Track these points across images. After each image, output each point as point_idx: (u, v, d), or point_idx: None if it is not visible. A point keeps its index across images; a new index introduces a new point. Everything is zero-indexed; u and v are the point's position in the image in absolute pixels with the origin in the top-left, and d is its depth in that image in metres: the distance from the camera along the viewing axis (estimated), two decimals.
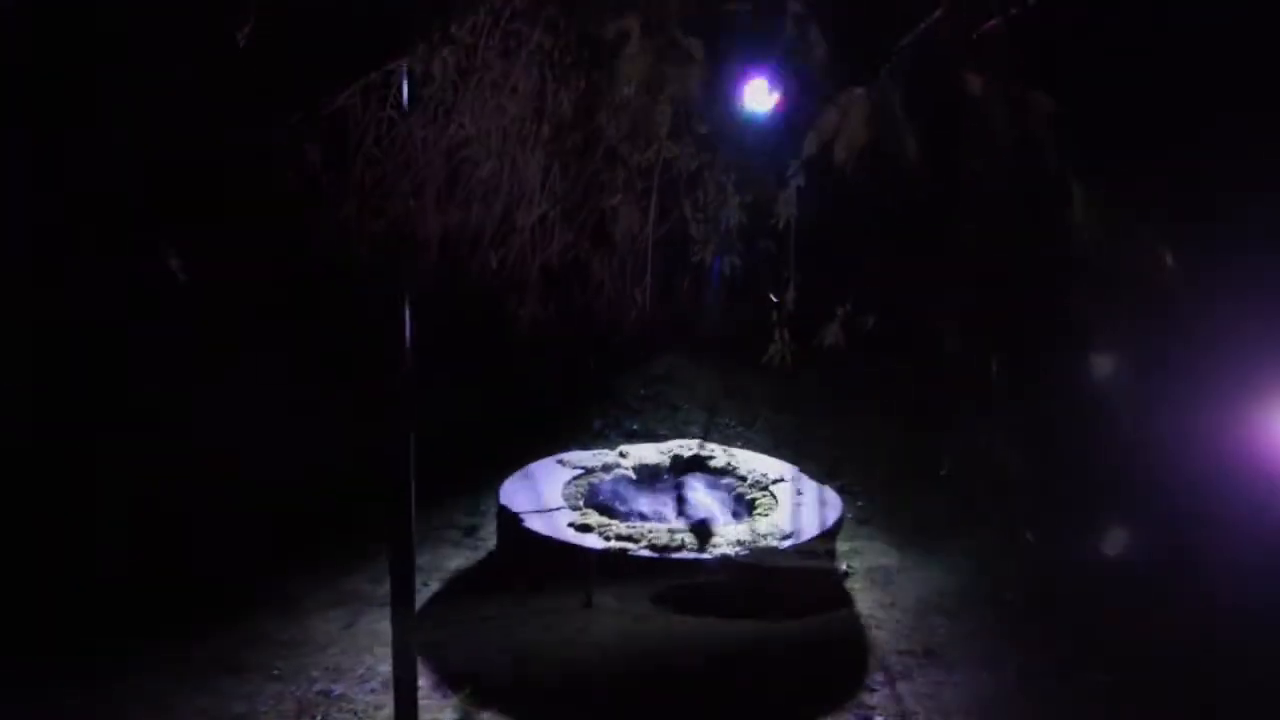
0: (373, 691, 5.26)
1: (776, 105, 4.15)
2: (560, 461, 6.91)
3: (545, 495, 6.36)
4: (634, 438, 8.28)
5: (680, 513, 6.37)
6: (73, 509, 6.47)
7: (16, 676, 5.25)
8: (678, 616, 5.63)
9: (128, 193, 6.81)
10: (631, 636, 5.58)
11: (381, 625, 5.41)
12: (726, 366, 9.32)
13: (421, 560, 6.54)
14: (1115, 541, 6.51)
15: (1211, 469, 6.51)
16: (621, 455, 7.03)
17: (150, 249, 6.29)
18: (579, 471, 6.76)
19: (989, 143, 3.55)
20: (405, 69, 3.80)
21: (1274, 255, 6.61)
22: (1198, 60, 6.76)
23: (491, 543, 6.78)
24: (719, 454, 7.07)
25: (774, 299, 6.44)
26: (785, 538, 5.97)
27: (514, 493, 6.39)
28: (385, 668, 5.16)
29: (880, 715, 5.39)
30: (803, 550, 5.97)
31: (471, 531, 7.04)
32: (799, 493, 6.60)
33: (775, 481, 6.74)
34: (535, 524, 6.00)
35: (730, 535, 5.93)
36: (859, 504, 7.58)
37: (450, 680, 5.36)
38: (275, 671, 5.45)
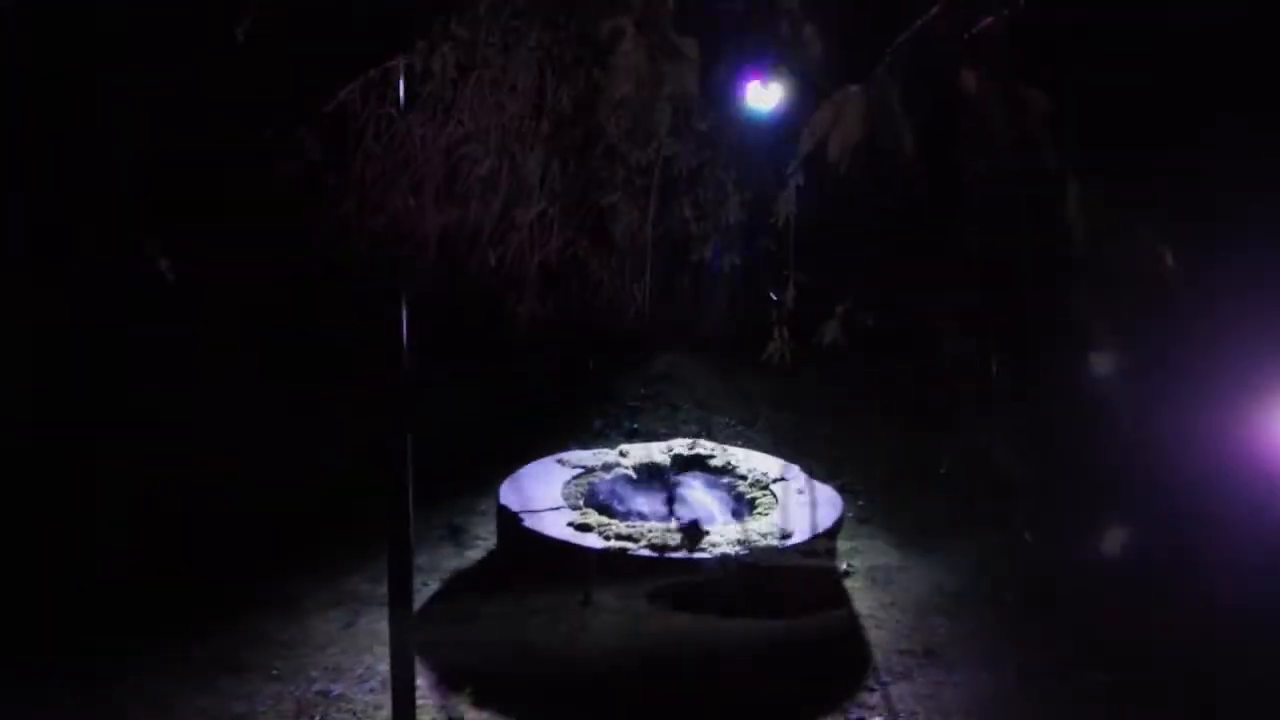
0: (371, 691, 5.26)
1: (774, 103, 4.15)
2: (560, 461, 6.91)
3: (545, 494, 6.35)
4: (634, 437, 8.27)
5: (672, 513, 6.36)
6: (73, 509, 6.47)
7: (16, 676, 5.25)
8: (677, 616, 5.61)
9: (128, 193, 6.80)
10: (631, 636, 5.56)
11: (381, 625, 5.41)
12: (727, 365, 9.32)
13: (421, 560, 6.54)
14: (1115, 541, 6.49)
15: (1211, 469, 6.50)
16: (621, 454, 7.02)
17: (139, 248, 6.28)
18: (579, 471, 6.76)
19: (987, 141, 3.53)
20: (402, 66, 3.79)
21: (1274, 255, 6.60)
22: (1198, 60, 6.76)
23: (491, 542, 6.78)
24: (719, 453, 7.07)
25: (774, 297, 6.44)
26: (785, 537, 5.97)
27: (513, 492, 6.38)
28: (384, 667, 5.15)
29: (880, 715, 5.39)
30: (803, 549, 5.96)
31: (455, 533, 7.04)
32: (799, 492, 6.59)
33: (775, 480, 6.73)
34: (534, 523, 5.99)
35: (730, 534, 5.92)
36: (859, 503, 7.58)
37: (450, 680, 5.36)
38: (274, 671, 5.45)
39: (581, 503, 6.31)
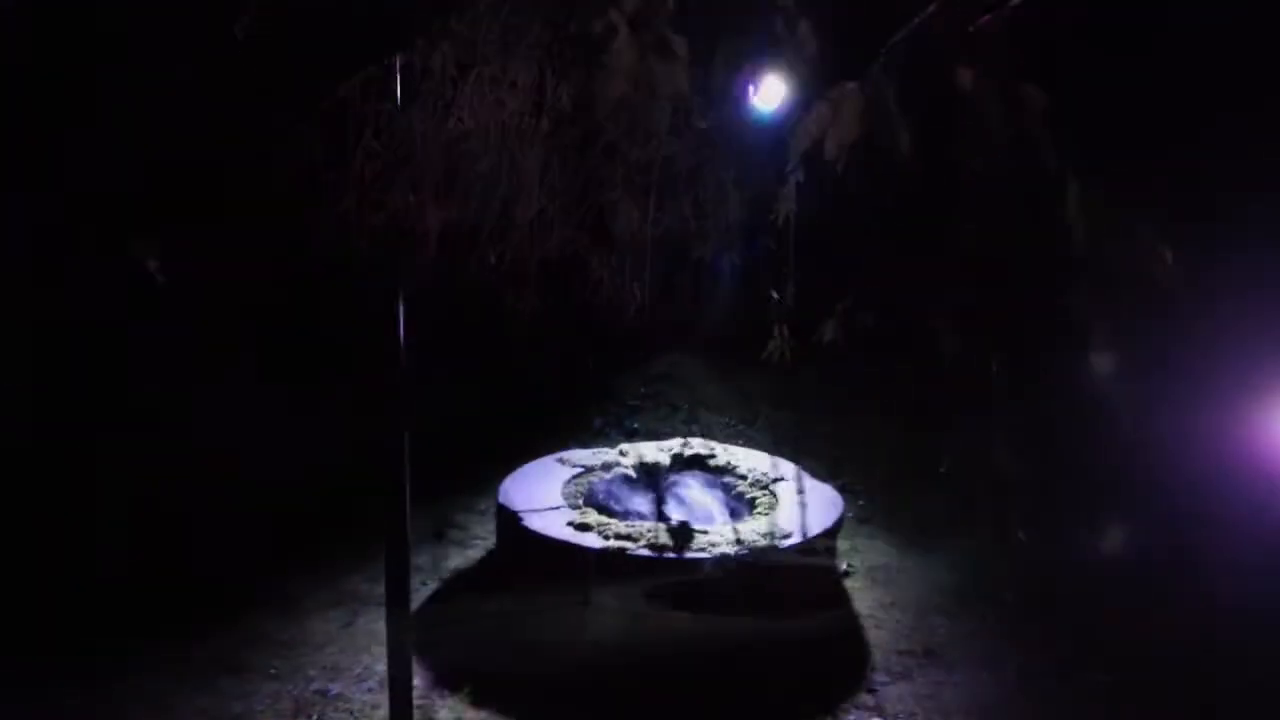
0: (370, 691, 5.27)
1: (777, 102, 4.14)
2: (560, 460, 6.91)
3: (544, 494, 6.35)
4: (634, 436, 8.27)
5: (663, 515, 6.32)
6: (73, 509, 6.47)
7: (16, 676, 5.26)
8: (676, 616, 5.61)
9: (128, 193, 6.80)
10: (630, 636, 5.55)
11: (379, 625, 5.40)
12: (727, 365, 9.31)
13: (420, 559, 6.54)
14: (1115, 541, 6.49)
15: (1211, 469, 6.49)
16: (622, 454, 7.01)
17: (132, 248, 6.29)
18: (579, 470, 6.75)
19: (985, 140, 3.53)
20: (398, 64, 3.79)
21: (1274, 255, 6.59)
22: (1197, 60, 6.74)
23: (491, 541, 6.78)
24: (719, 452, 7.06)
25: (774, 296, 6.43)
26: (785, 537, 5.96)
27: (513, 491, 6.38)
28: (383, 667, 5.14)
29: (879, 716, 5.39)
30: (803, 549, 5.96)
31: (439, 535, 7.03)
32: (799, 491, 6.58)
33: (775, 480, 6.72)
34: (534, 523, 5.99)
35: (729, 534, 5.91)
36: (859, 503, 7.57)
37: (448, 679, 5.37)
38: (273, 671, 5.45)
39: (581, 502, 6.31)
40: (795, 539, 5.97)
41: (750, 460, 7.00)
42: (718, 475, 6.83)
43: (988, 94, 3.38)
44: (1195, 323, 5.73)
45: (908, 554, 6.97)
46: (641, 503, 6.48)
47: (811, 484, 6.72)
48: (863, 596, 6.47)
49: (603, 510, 6.22)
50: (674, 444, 7.16)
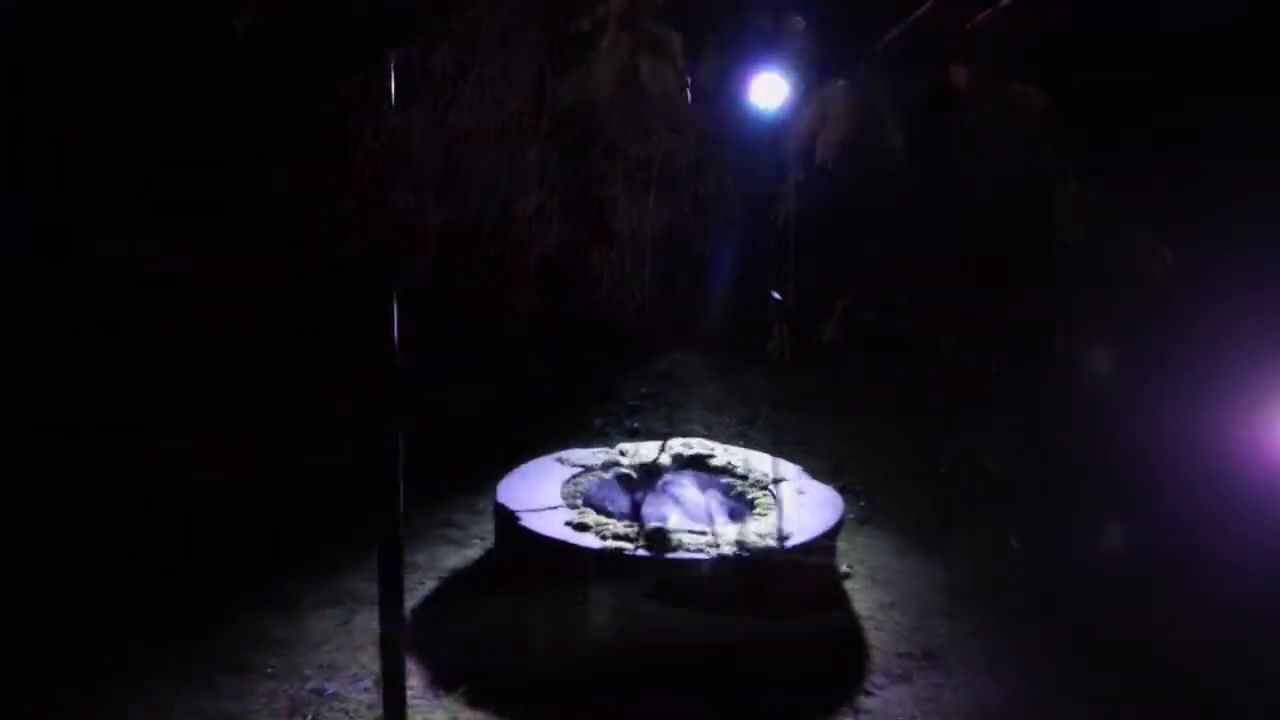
0: (365, 690, 5.25)
1: (769, 99, 4.13)
2: (560, 459, 6.89)
3: (543, 493, 6.33)
4: (635, 436, 8.25)
5: (638, 518, 6.26)
6: (73, 509, 6.48)
7: (16, 676, 5.26)
8: (675, 616, 5.59)
9: (128, 193, 6.81)
10: (628, 636, 5.54)
11: (377, 624, 5.40)
12: (728, 364, 9.30)
13: (419, 558, 6.55)
14: (1115, 541, 6.48)
15: (1211, 469, 6.48)
16: (621, 453, 6.99)
17: (134, 249, 6.31)
18: (578, 470, 6.73)
19: (984, 139, 3.52)
20: (393, 62, 3.78)
21: (1274, 255, 6.57)
22: (1197, 60, 6.73)
23: (490, 540, 6.77)
24: (719, 452, 7.04)
25: (775, 296, 6.41)
26: (784, 538, 5.93)
27: (512, 491, 6.36)
28: (379, 666, 5.15)
29: (879, 718, 5.37)
30: (802, 550, 5.93)
31: (454, 531, 7.03)
32: (800, 492, 6.56)
33: (776, 480, 6.70)
34: (532, 522, 5.97)
35: (729, 535, 5.89)
36: (860, 504, 7.54)
37: (445, 679, 5.36)
38: (270, 670, 5.45)
39: (580, 502, 6.29)
40: (795, 540, 5.94)
41: (750, 460, 6.98)
42: (718, 475, 6.81)
43: (985, 93, 3.37)
44: (1195, 323, 5.72)
45: (908, 555, 6.95)
46: (639, 503, 6.45)
47: (812, 484, 6.70)
48: (862, 597, 6.45)
49: (601, 510, 6.21)
50: (674, 444, 7.14)
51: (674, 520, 6.21)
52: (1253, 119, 6.73)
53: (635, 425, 8.59)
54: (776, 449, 7.43)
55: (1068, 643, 5.97)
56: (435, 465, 6.85)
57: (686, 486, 6.63)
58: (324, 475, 6.81)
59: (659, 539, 5.73)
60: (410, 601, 6.09)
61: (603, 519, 6.00)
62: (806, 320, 6.40)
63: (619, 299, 8.30)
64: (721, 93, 3.95)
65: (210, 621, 5.84)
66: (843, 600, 6.40)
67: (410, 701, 4.86)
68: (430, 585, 6.36)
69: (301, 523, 6.69)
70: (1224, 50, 6.65)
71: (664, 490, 6.59)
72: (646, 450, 7.03)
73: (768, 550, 5.80)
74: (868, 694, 5.55)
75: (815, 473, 6.94)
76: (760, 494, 6.55)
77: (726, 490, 6.66)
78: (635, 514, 6.28)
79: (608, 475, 6.72)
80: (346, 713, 5.12)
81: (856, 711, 5.41)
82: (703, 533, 5.89)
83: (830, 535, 6.21)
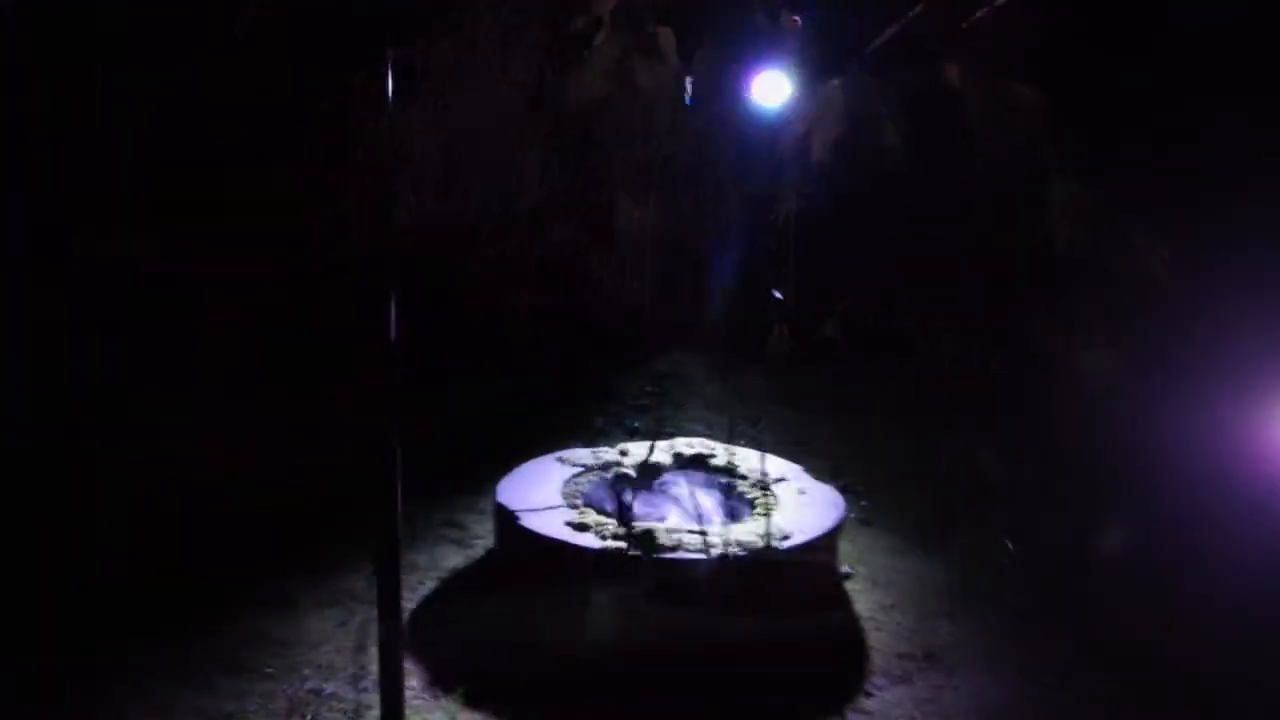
0: (364, 690, 5.25)
1: (770, 98, 4.13)
2: (560, 459, 6.88)
3: (543, 493, 6.32)
4: (635, 435, 8.23)
5: (625, 521, 6.22)
6: (73, 509, 6.48)
7: (16, 676, 5.26)
8: (674, 617, 5.58)
9: (128, 193, 6.82)
10: (628, 637, 5.53)
11: (376, 624, 5.40)
12: (729, 364, 9.29)
13: (419, 558, 6.55)
14: (1115, 541, 6.46)
15: (1211, 469, 6.47)
16: (622, 453, 6.98)
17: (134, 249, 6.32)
18: (578, 469, 6.72)
19: (983, 139, 3.50)
20: (391, 61, 3.78)
21: (1274, 255, 6.56)
22: (1197, 59, 6.72)
23: (490, 540, 6.76)
24: (720, 452, 7.02)
25: (775, 295, 6.41)
26: (784, 538, 5.92)
27: (512, 490, 6.36)
28: (377, 666, 5.15)
29: (879, 719, 5.36)
30: (803, 550, 5.92)
31: (455, 531, 7.01)
32: (800, 492, 6.55)
33: (777, 480, 6.68)
34: (532, 522, 5.96)
35: (729, 535, 5.88)
36: (862, 504, 7.52)
37: (444, 679, 5.35)
38: (269, 670, 5.44)
39: (580, 502, 6.28)
40: (795, 540, 5.92)
41: (751, 460, 6.96)
42: (719, 475, 6.80)
43: (983, 92, 3.36)
44: (1195, 323, 5.71)
45: (909, 555, 6.94)
46: (642, 503, 6.44)
47: (813, 484, 6.69)
48: (863, 598, 6.43)
49: (601, 510, 6.20)
50: (675, 443, 7.13)
51: (674, 520, 6.21)
52: (1253, 119, 6.72)
53: (636, 425, 8.58)
54: (777, 449, 7.42)
55: (1068, 643, 5.95)
56: (436, 465, 6.85)
57: (687, 486, 6.63)
58: (324, 475, 6.81)
59: (649, 542, 5.71)
60: (410, 601, 6.09)
61: (603, 519, 5.99)
62: (807, 320, 6.39)
63: (619, 299, 8.33)
64: (720, 92, 3.94)
65: (210, 621, 5.83)
66: (843, 601, 6.39)
67: (409, 702, 4.86)
68: (430, 585, 6.35)
69: (301, 523, 6.68)
70: (1224, 50, 6.64)
71: (664, 490, 6.59)
72: (647, 450, 7.02)
73: (768, 550, 5.78)
74: (868, 695, 5.54)
75: (816, 472, 6.92)
76: (761, 494, 6.53)
77: (727, 490, 6.65)
78: (625, 514, 6.26)
79: (608, 475, 6.71)
80: (345, 713, 5.11)
81: (856, 712, 5.39)
82: (703, 533, 5.88)
83: (831, 536, 6.19)
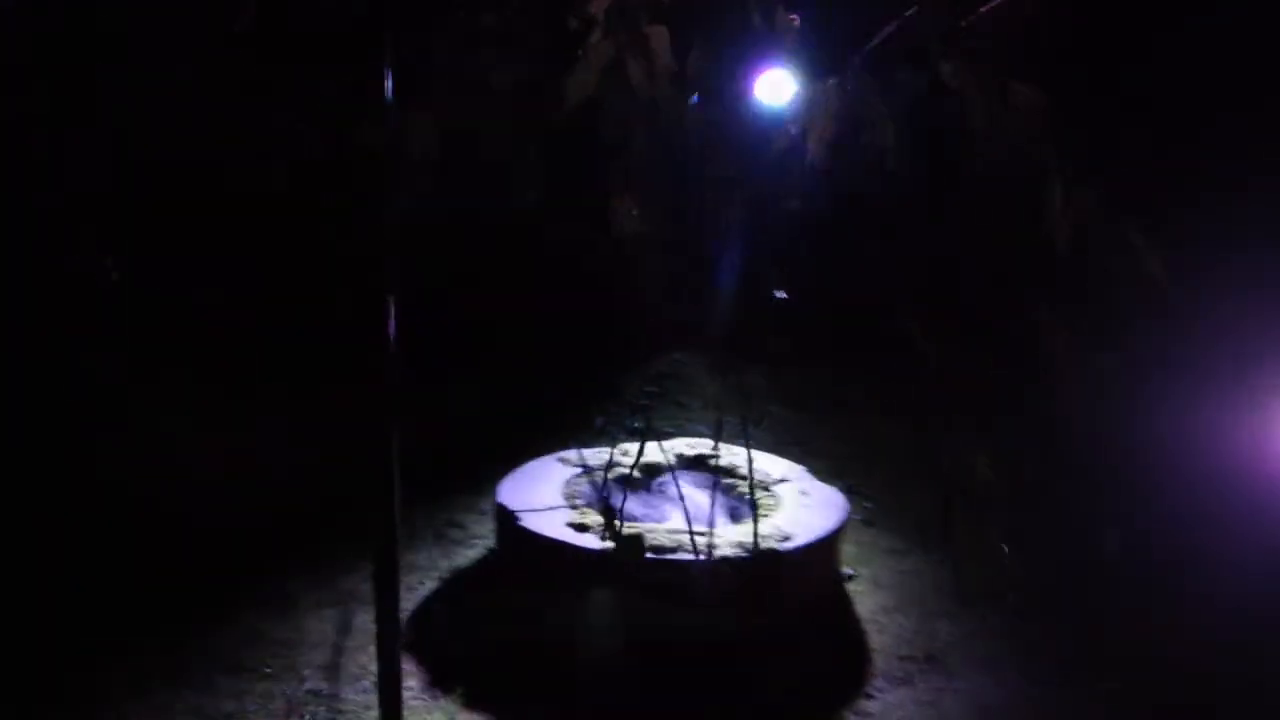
0: (363, 691, 5.25)
1: (770, 96, 4.11)
2: (561, 459, 6.86)
3: (544, 493, 6.31)
4: (638, 435, 8.21)
5: (609, 525, 6.21)
6: (73, 509, 6.49)
7: (16, 676, 5.27)
8: (674, 618, 5.57)
9: (128, 193, 6.82)
10: (628, 639, 5.52)
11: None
12: (733, 364, 9.26)
13: (419, 558, 6.54)
14: (1115, 541, 6.45)
15: (1211, 469, 6.46)
16: (624, 454, 6.95)
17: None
18: (579, 470, 6.70)
19: (983, 139, 3.49)
20: (389, 60, 3.77)
21: (1274, 254, 6.56)
22: (1197, 59, 6.72)
23: (491, 541, 6.75)
24: (723, 453, 7.00)
25: (779, 294, 6.40)
26: (786, 539, 5.91)
27: (512, 491, 6.34)
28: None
29: None
30: (804, 552, 5.91)
31: (455, 531, 6.99)
32: (803, 493, 6.53)
33: (779, 481, 6.67)
34: (532, 523, 5.95)
35: (730, 536, 5.87)
36: (865, 505, 7.51)
37: (443, 680, 5.35)
38: (268, 670, 5.44)
39: (580, 502, 6.27)
40: (797, 541, 5.91)
41: (754, 460, 6.92)
42: (721, 476, 6.77)
43: (982, 92, 3.35)
44: (1194, 323, 5.70)
45: (912, 556, 6.92)
46: (642, 504, 6.43)
47: (815, 485, 6.67)
48: (865, 600, 6.42)
49: (602, 511, 6.18)
50: (677, 443, 7.11)
51: (674, 521, 6.20)
52: (1253, 119, 6.71)
53: (639, 425, 8.56)
54: (778, 449, 7.41)
55: (1069, 643, 5.95)
56: (436, 465, 6.84)
57: (688, 487, 6.60)
58: (324, 475, 6.80)
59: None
60: (410, 602, 6.09)
61: (603, 519, 5.98)
62: (808, 320, 6.39)
63: (619, 299, 8.30)
64: (720, 91, 3.93)
65: (209, 621, 5.83)
66: (845, 602, 6.37)
67: (408, 703, 4.86)
68: (430, 585, 6.34)
69: (301, 523, 6.68)
70: (1224, 50, 6.63)
71: (665, 491, 6.57)
72: (649, 450, 6.99)
73: (769, 552, 5.77)
74: (869, 697, 5.53)
75: (818, 473, 6.91)
76: (763, 495, 6.52)
77: (729, 491, 6.63)
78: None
79: (609, 475, 6.68)
80: (344, 713, 5.11)
81: (857, 714, 5.39)
82: (703, 534, 5.86)
83: (833, 537, 6.18)
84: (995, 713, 5.49)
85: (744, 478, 6.69)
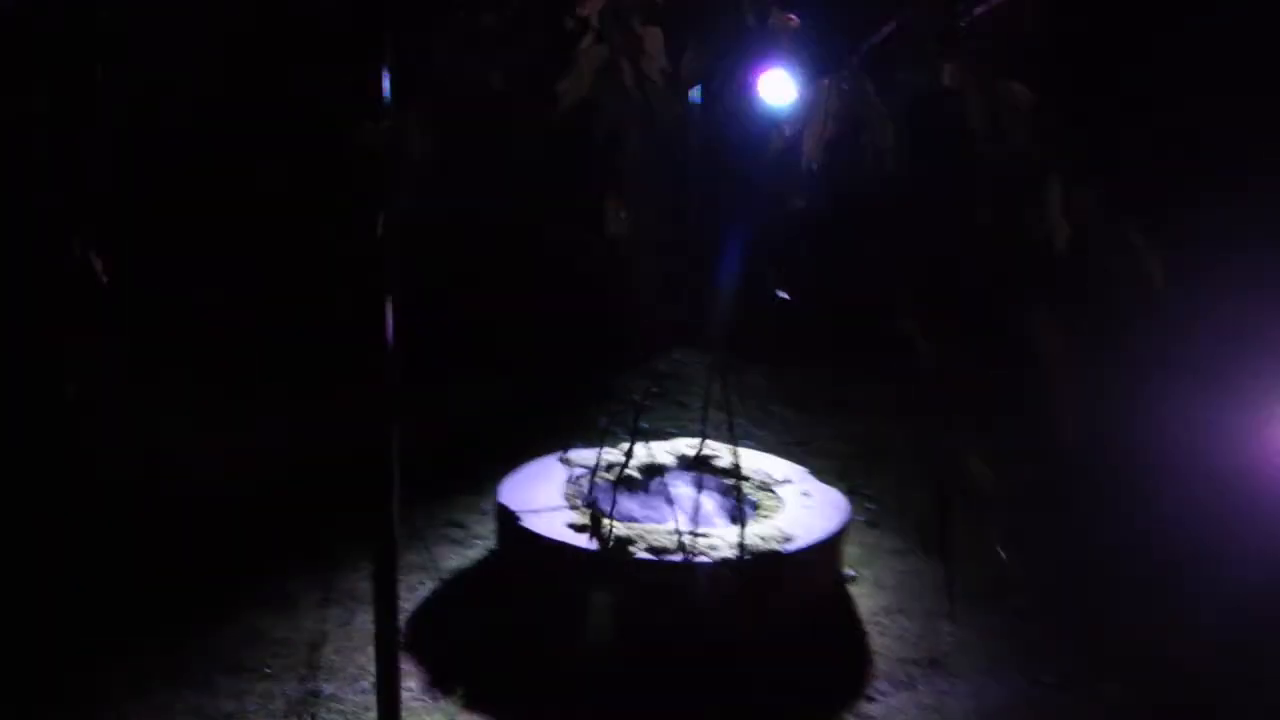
0: (363, 691, 5.24)
1: (773, 97, 4.11)
2: (563, 459, 6.84)
3: (545, 494, 6.30)
4: (640, 436, 8.17)
5: (596, 526, 6.18)
6: (73, 509, 6.49)
7: (16, 677, 5.27)
8: (676, 619, 5.56)
9: (128, 193, 6.82)
10: (628, 640, 5.51)
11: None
12: (732, 364, 9.23)
13: (420, 559, 6.53)
14: (1116, 541, 6.44)
15: (1211, 469, 6.46)
16: (626, 454, 6.92)
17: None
18: (582, 470, 6.67)
19: (983, 140, 3.48)
20: (388, 58, 3.78)
21: (1274, 254, 6.55)
22: (1197, 59, 6.71)
23: (492, 541, 6.74)
24: (725, 453, 6.97)
25: (781, 294, 6.38)
26: (788, 541, 5.89)
27: (513, 491, 6.33)
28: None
29: None
30: (806, 554, 5.89)
31: (456, 531, 7.00)
32: (805, 494, 6.51)
33: (781, 482, 6.64)
34: (533, 523, 5.94)
35: (731, 538, 5.85)
36: (868, 506, 7.49)
37: (443, 681, 5.35)
38: (268, 670, 5.44)
39: (581, 503, 6.25)
40: (798, 543, 5.89)
41: (756, 462, 6.91)
42: (723, 477, 6.74)
43: (982, 92, 3.34)
44: (1195, 323, 5.70)
45: (915, 558, 6.90)
46: (643, 504, 6.41)
47: (818, 487, 6.65)
48: (867, 601, 6.39)
49: (603, 511, 6.16)
50: (680, 444, 7.10)
51: (675, 522, 6.18)
52: (1253, 119, 6.70)
53: (642, 425, 8.54)
54: (781, 449, 7.40)
55: (1070, 644, 5.93)
56: (437, 465, 6.84)
57: (690, 488, 6.59)
58: (324, 475, 6.79)
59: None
60: (410, 602, 6.08)
61: (604, 520, 5.96)
62: (808, 320, 6.37)
63: (619, 299, 8.32)
64: (719, 92, 3.93)
65: (210, 620, 5.83)
66: (847, 604, 6.36)
67: (407, 703, 4.85)
68: (431, 586, 6.33)
69: (301, 523, 6.68)
70: (1224, 50, 6.62)
71: (666, 491, 6.55)
72: (651, 451, 6.98)
73: (770, 553, 5.76)
74: (870, 700, 5.51)
75: (820, 474, 6.90)
76: (765, 496, 6.50)
77: (731, 492, 6.60)
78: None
79: (611, 476, 6.66)
80: (343, 714, 5.11)
81: (858, 717, 5.38)
82: (704, 535, 5.85)
83: (835, 538, 6.16)
84: (998, 716, 5.47)
85: (746, 478, 6.67)
